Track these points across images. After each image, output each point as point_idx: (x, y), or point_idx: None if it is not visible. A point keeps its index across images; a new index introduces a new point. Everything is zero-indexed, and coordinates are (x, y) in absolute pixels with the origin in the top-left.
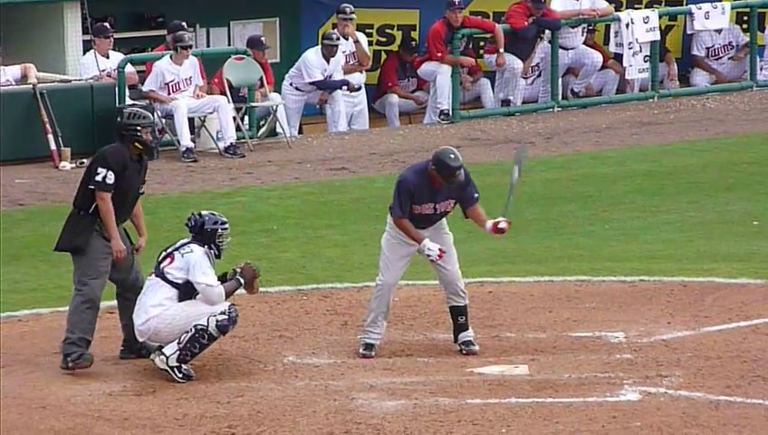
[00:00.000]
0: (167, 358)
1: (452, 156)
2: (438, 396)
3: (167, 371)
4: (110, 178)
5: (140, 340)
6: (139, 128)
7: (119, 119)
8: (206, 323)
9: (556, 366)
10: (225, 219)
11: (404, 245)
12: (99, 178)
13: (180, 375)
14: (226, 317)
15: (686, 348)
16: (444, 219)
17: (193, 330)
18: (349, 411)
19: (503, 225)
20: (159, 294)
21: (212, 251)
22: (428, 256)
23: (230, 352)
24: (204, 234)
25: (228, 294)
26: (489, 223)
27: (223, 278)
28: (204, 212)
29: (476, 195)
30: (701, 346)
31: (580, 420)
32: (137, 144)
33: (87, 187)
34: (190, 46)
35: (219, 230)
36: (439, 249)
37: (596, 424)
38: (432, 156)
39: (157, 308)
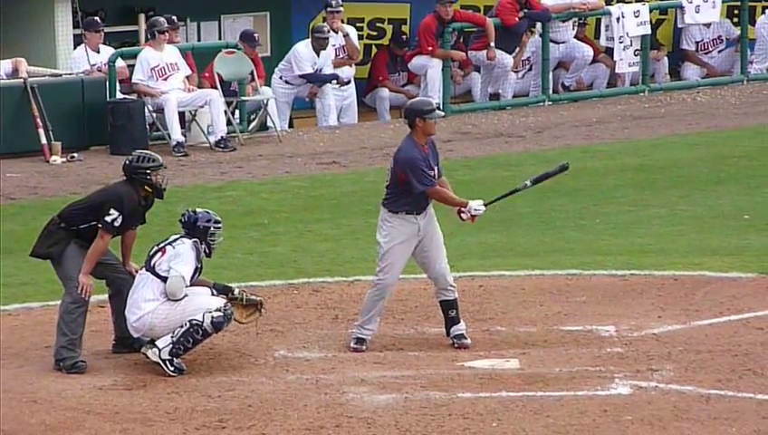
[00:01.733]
0: (159, 350)
1: (425, 102)
2: (429, 390)
3: (158, 364)
4: (119, 222)
5: (135, 336)
6: (149, 171)
7: (127, 161)
8: (201, 319)
9: (547, 360)
10: (218, 219)
11: (409, 242)
12: (109, 219)
13: (172, 369)
14: (222, 314)
15: (677, 342)
16: (434, 217)
17: (188, 324)
18: (340, 405)
19: (478, 211)
20: (151, 290)
21: (202, 247)
22: (476, 213)
23: (221, 346)
24: (196, 231)
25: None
26: (472, 203)
27: (225, 289)
28: (198, 209)
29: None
30: (692, 340)
31: (570, 414)
32: (147, 187)
33: (90, 215)
34: (166, 31)
35: (212, 228)
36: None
37: (587, 418)
38: (405, 114)
39: (150, 303)
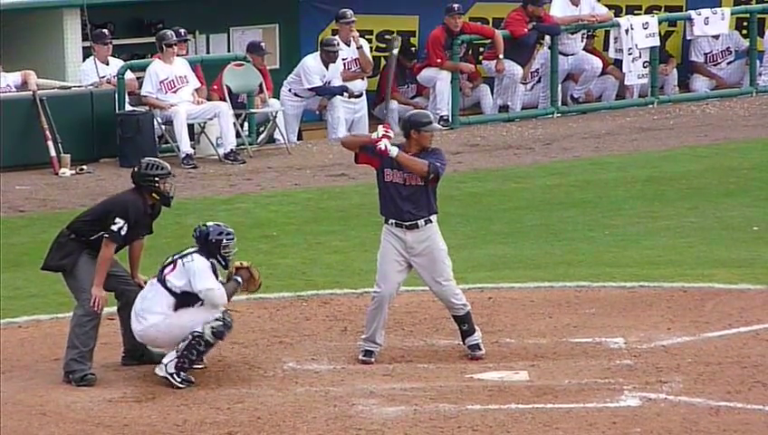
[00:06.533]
0: (165, 366)
1: (423, 114)
2: (438, 402)
3: (166, 378)
4: (124, 231)
5: (139, 340)
6: (156, 179)
7: (135, 169)
8: (201, 331)
9: (556, 372)
10: (230, 230)
11: (397, 252)
12: (115, 228)
13: (179, 381)
14: (221, 323)
15: (686, 354)
16: (437, 233)
17: (189, 337)
18: (349, 417)
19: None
20: (158, 303)
21: (217, 261)
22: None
23: (230, 359)
24: (209, 245)
25: (230, 295)
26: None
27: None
28: (209, 223)
29: (438, 164)
30: (701, 352)
31: (580, 426)
32: (154, 194)
33: (98, 225)
34: (175, 44)
35: (224, 241)
36: (382, 137)
37: (596, 430)
38: (402, 124)
39: (156, 316)
